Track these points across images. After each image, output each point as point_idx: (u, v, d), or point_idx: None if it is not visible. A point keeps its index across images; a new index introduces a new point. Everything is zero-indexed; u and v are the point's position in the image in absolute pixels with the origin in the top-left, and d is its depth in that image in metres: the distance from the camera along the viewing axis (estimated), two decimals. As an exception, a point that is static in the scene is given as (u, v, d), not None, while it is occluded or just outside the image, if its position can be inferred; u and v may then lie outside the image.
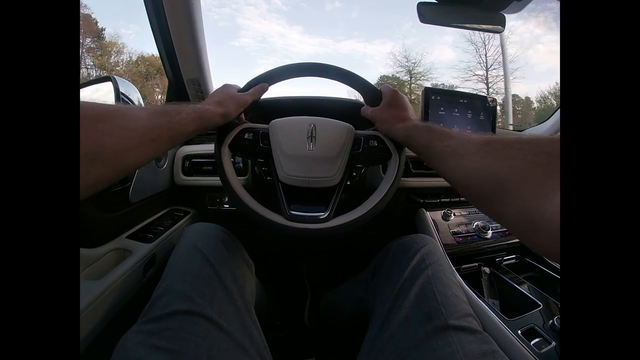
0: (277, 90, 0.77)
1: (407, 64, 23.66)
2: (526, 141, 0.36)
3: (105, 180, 0.39)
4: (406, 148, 0.66)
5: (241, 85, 0.71)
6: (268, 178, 0.72)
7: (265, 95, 0.73)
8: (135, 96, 0.88)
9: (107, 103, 0.41)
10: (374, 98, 0.70)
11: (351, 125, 0.71)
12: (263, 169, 0.73)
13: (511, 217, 0.36)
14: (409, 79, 23.54)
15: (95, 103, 0.39)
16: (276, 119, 0.71)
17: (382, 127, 0.68)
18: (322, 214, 0.65)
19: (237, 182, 0.67)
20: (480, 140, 0.43)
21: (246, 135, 0.69)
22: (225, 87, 0.67)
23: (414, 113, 0.68)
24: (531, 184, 0.32)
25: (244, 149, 0.70)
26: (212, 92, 0.67)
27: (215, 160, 0.67)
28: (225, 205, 1.05)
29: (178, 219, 0.98)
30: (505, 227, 0.39)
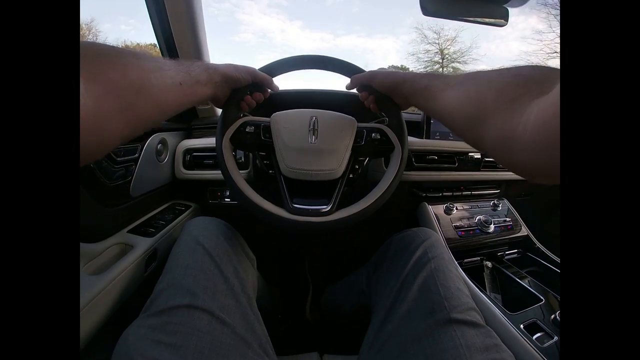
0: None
1: (438, 41, 20.48)
2: (507, 68, 0.40)
3: (149, 116, 0.42)
4: (408, 141, 0.66)
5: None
6: (270, 171, 0.72)
7: None
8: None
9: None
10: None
11: (353, 118, 0.71)
12: (265, 162, 0.73)
13: (490, 138, 0.38)
14: (440, 59, 20.04)
15: (127, 48, 0.43)
16: (278, 112, 0.71)
17: (397, 100, 0.67)
18: (325, 207, 0.65)
19: (239, 176, 0.66)
20: (469, 72, 0.47)
21: (247, 129, 0.68)
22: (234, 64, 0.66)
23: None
24: (506, 102, 0.35)
25: (246, 142, 0.70)
26: None
27: (216, 153, 0.66)
28: (227, 200, 1.04)
29: (179, 213, 0.98)
30: (485, 151, 0.41)
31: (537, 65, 0.37)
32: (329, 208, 0.65)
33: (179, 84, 0.47)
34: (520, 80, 0.35)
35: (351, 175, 0.71)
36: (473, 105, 0.41)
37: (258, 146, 0.71)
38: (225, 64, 0.62)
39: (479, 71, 0.45)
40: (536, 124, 0.30)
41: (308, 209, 0.65)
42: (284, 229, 0.64)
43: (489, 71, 0.43)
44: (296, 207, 0.65)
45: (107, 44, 0.38)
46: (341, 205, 0.67)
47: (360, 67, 0.71)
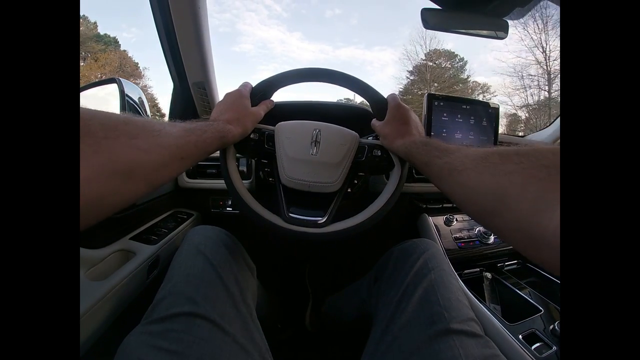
0: (280, 95, 0.78)
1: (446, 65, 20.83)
2: (524, 154, 0.35)
3: (138, 195, 0.39)
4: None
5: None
6: (270, 179, 0.73)
7: (272, 98, 0.75)
8: (139, 97, 0.89)
9: (136, 117, 0.41)
10: (380, 107, 0.71)
11: (356, 133, 0.72)
12: (266, 170, 0.74)
13: (511, 233, 0.35)
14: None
15: (128, 116, 0.39)
16: (283, 122, 0.72)
17: (384, 142, 0.69)
18: (320, 218, 0.66)
19: (239, 181, 0.67)
20: (478, 154, 0.42)
21: (252, 135, 0.69)
22: (240, 99, 0.67)
23: (419, 125, 0.68)
24: (530, 200, 0.31)
25: (249, 149, 0.71)
26: (225, 99, 0.67)
27: (219, 157, 0.67)
28: (229, 209, 1.05)
29: (181, 221, 0.99)
30: (507, 243, 0.38)
31: (558, 149, 0.32)
32: (324, 220, 0.66)
33: (180, 158, 0.45)
34: (544, 173, 0.31)
35: (349, 189, 0.72)
36: (488, 200, 0.38)
37: (261, 153, 0.72)
38: (234, 123, 0.62)
39: (488, 153, 0.41)
40: None
41: (303, 219, 0.66)
42: (281, 238, 0.65)
43: (502, 154, 0.38)
44: (292, 217, 0.66)
45: (102, 114, 0.35)
46: (338, 218, 0.68)
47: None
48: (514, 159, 0.36)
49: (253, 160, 0.97)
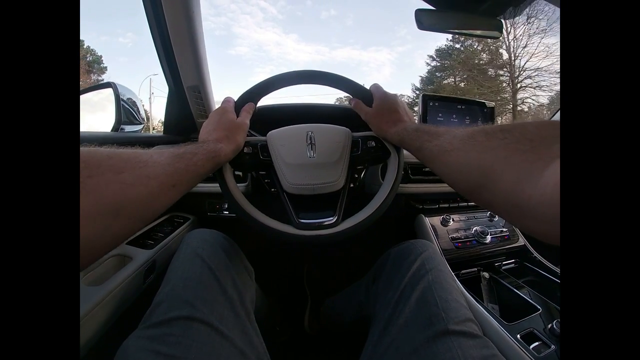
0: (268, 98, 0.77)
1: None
2: (508, 129, 0.37)
3: (130, 231, 0.38)
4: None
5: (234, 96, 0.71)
6: (272, 190, 0.72)
7: (260, 103, 0.74)
8: (135, 101, 0.88)
9: (121, 149, 0.40)
10: (365, 100, 0.71)
11: (348, 129, 0.72)
12: (266, 180, 0.74)
13: (499, 204, 0.36)
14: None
15: (112, 150, 0.38)
16: (273, 130, 0.72)
17: (376, 130, 0.70)
18: (331, 218, 0.66)
19: (243, 199, 0.66)
20: (465, 133, 0.44)
21: (245, 149, 0.68)
22: (225, 115, 0.66)
23: (407, 110, 0.69)
24: (514, 171, 0.33)
25: (245, 164, 0.70)
26: (210, 119, 0.66)
27: (217, 179, 0.66)
28: (225, 212, 1.05)
29: (178, 225, 0.98)
30: (496, 214, 0.40)
31: (542, 122, 0.35)
32: (335, 219, 0.66)
33: (172, 186, 0.44)
34: (527, 146, 0.33)
35: (352, 185, 0.72)
36: (475, 175, 0.39)
37: (258, 166, 0.72)
38: (224, 141, 0.61)
39: (474, 131, 0.43)
40: (553, 199, 0.28)
41: (315, 223, 0.65)
42: (292, 244, 0.64)
43: (487, 131, 0.41)
44: (303, 222, 0.65)
45: (85, 151, 0.34)
46: (346, 215, 0.68)
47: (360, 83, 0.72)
48: (498, 135, 0.38)
49: None
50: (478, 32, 1.12)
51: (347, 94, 0.75)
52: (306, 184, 0.67)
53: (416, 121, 0.71)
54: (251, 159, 0.69)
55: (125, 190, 0.35)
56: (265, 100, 0.76)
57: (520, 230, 0.32)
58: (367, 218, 0.65)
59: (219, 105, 0.69)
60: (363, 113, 0.71)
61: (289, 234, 0.64)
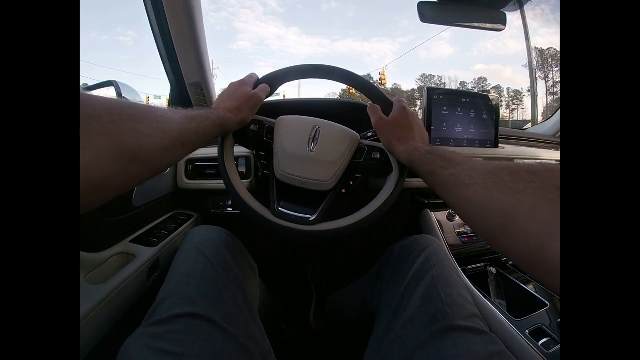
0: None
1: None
2: (535, 172, 0.34)
3: (142, 178, 0.41)
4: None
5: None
6: (265, 172, 0.72)
7: (274, 98, 0.76)
8: (137, 99, 0.88)
9: (142, 103, 0.43)
10: (384, 108, 0.70)
11: (357, 134, 0.72)
12: (262, 162, 0.74)
13: (520, 255, 0.33)
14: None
15: (132, 102, 0.41)
16: (284, 116, 0.72)
17: (385, 143, 0.68)
18: (309, 216, 0.65)
19: (234, 171, 0.67)
20: (487, 169, 0.41)
21: (252, 127, 0.70)
22: (242, 87, 0.67)
23: (423, 133, 0.68)
24: (540, 222, 0.30)
25: (248, 139, 0.71)
26: (228, 88, 0.68)
27: (218, 145, 0.67)
28: (229, 209, 1.05)
29: (182, 223, 0.98)
30: (513, 262, 0.37)
31: None
32: (313, 218, 0.65)
33: (181, 144, 0.46)
34: (556, 195, 0.30)
35: (343, 190, 0.72)
36: (496, 218, 0.36)
37: (259, 145, 0.73)
38: (233, 110, 0.63)
39: (498, 168, 0.40)
40: None
41: (292, 215, 0.65)
42: (266, 230, 0.64)
43: (512, 171, 0.37)
44: (281, 211, 0.65)
45: (107, 100, 0.37)
46: (330, 216, 0.67)
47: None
48: (524, 176, 0.35)
49: (253, 158, 0.96)
50: (481, 25, 1.11)
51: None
52: (296, 175, 0.67)
53: (420, 116, 0.70)
54: (255, 136, 0.70)
55: (141, 140, 0.38)
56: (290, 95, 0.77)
57: (537, 281, 0.30)
58: (345, 227, 0.64)
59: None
60: (376, 118, 0.69)
61: (264, 218, 0.64)
